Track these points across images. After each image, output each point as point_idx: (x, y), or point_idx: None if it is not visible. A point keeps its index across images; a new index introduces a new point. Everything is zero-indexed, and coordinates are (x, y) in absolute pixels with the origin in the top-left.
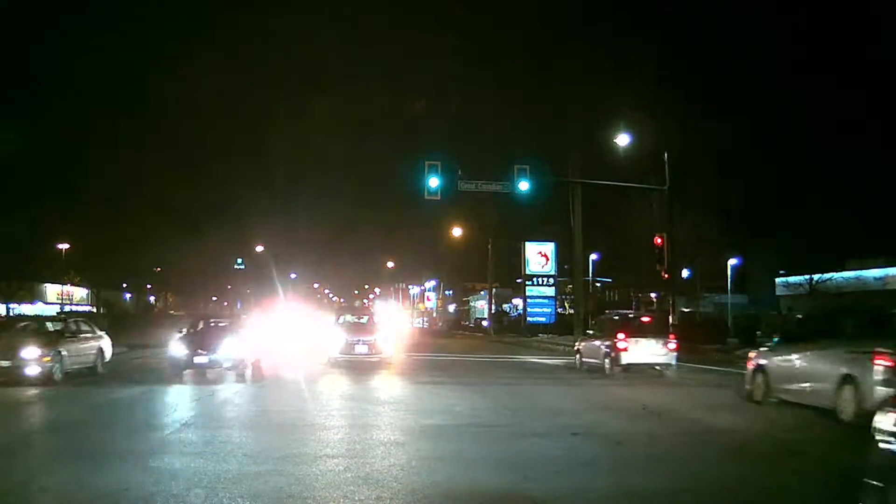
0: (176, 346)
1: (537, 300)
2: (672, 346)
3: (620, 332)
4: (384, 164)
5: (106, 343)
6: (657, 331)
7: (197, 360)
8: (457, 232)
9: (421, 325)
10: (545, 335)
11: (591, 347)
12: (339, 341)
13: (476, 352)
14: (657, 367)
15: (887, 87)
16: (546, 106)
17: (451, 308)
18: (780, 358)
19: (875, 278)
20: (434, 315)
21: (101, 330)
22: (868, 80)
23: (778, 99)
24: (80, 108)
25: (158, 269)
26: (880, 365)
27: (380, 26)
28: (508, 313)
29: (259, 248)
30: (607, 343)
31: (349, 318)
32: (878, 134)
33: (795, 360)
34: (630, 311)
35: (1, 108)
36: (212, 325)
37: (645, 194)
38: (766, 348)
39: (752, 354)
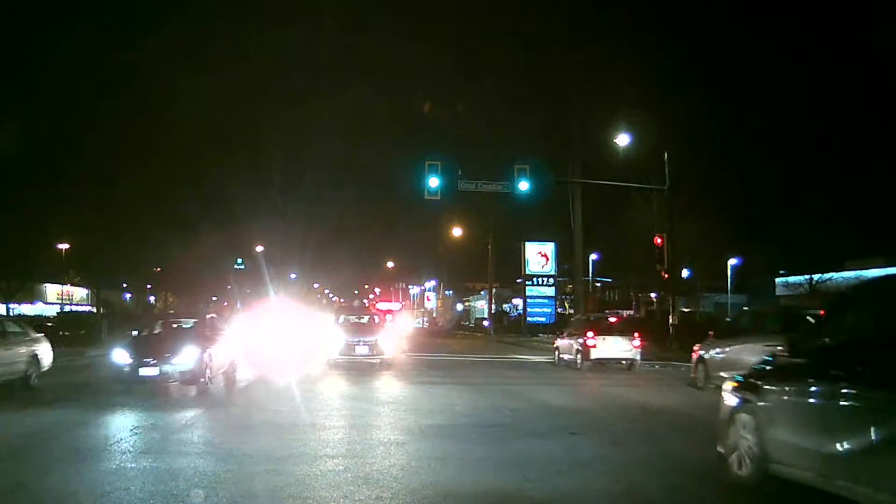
0: (120, 354)
1: (537, 300)
2: (637, 343)
3: (589, 330)
4: (384, 164)
5: (43, 348)
6: (623, 330)
7: (144, 371)
8: (457, 232)
9: (421, 325)
10: (545, 335)
11: (566, 345)
12: (338, 342)
13: (475, 352)
14: (623, 362)
15: (888, 87)
16: (546, 106)
17: (459, 307)
18: (715, 350)
19: None
20: (434, 315)
21: (37, 332)
22: (868, 80)
23: (778, 98)
24: (80, 108)
25: (158, 269)
26: None
27: (380, 25)
28: (508, 313)
29: (259, 248)
30: (579, 341)
31: (350, 318)
32: (879, 134)
33: (726, 351)
34: (601, 313)
35: (1, 107)
36: (173, 326)
37: (645, 194)
38: (706, 342)
39: (695, 347)
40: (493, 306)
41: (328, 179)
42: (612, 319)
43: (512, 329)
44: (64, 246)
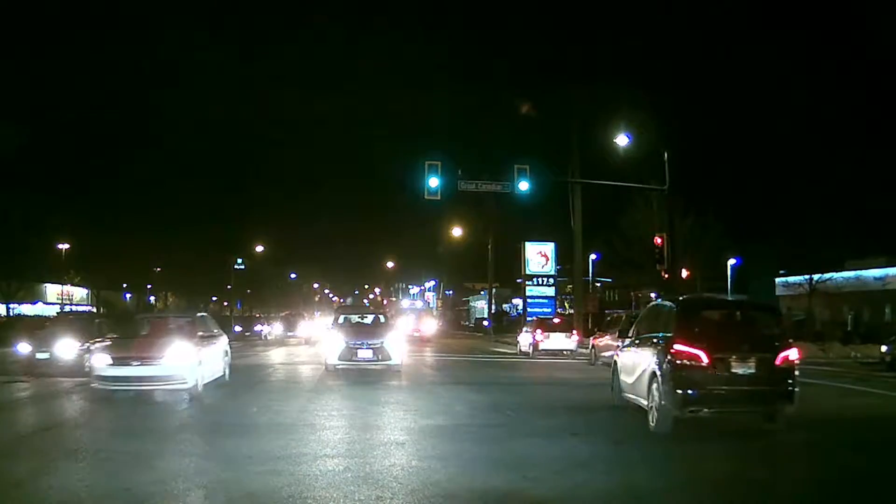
0: None
1: (537, 300)
2: (575, 338)
3: (538, 328)
4: (385, 165)
5: None
6: (565, 327)
7: None
8: (457, 232)
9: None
10: None
11: (524, 339)
12: (337, 346)
13: (473, 352)
14: (565, 353)
15: (888, 87)
16: (547, 105)
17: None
18: (601, 341)
19: (875, 278)
20: (434, 315)
21: None
22: (869, 80)
23: (779, 99)
24: (81, 109)
25: (158, 269)
26: None
27: (383, 25)
28: (508, 313)
29: (259, 248)
30: (532, 336)
31: (351, 318)
32: (879, 134)
33: (606, 339)
34: (547, 316)
35: (4, 108)
36: None
37: (645, 194)
38: (596, 335)
39: (591, 339)
40: (493, 306)
41: (330, 181)
42: (556, 320)
43: (512, 329)
44: (64, 246)
